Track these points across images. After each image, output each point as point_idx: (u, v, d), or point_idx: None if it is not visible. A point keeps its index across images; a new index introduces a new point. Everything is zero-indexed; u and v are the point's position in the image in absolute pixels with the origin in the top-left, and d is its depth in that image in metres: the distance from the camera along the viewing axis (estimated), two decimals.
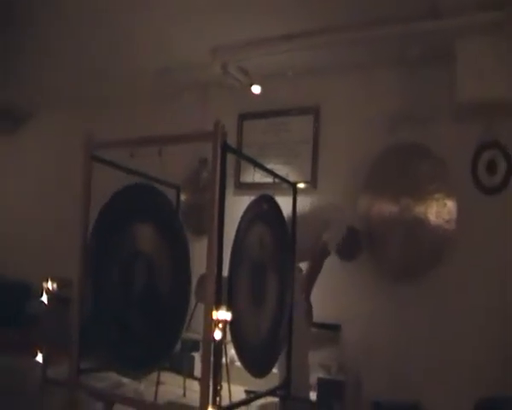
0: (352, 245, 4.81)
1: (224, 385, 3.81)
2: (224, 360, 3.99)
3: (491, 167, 4.92)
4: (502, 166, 4.88)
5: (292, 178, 5.18)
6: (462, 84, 4.63)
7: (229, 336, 3.81)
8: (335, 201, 5.36)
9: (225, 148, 3.76)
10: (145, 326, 4.29)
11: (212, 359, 3.53)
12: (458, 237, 4.91)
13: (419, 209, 5.08)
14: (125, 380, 4.84)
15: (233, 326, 3.69)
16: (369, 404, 4.68)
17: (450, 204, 4.99)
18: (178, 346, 5.02)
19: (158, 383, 4.57)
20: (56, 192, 7.16)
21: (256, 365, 4.12)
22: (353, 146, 5.43)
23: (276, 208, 4.54)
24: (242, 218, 4.00)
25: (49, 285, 4.41)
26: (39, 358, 4.32)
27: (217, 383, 3.54)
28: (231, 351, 4.67)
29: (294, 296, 4.52)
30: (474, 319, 4.76)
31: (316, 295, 5.21)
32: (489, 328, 4.70)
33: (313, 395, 4.94)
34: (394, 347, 4.98)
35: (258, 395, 4.43)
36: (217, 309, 3.49)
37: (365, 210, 5.26)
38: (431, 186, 5.07)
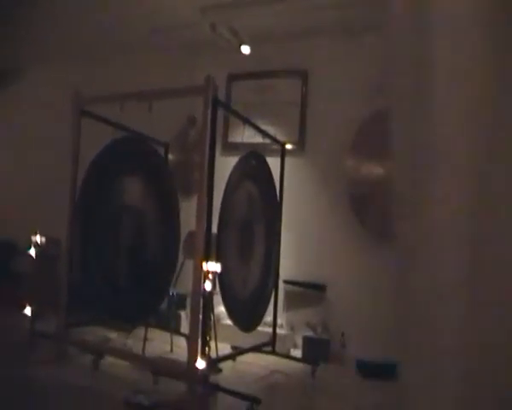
0: None
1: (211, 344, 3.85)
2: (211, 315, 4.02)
3: None
4: None
5: (280, 139, 5.19)
6: None
7: (216, 291, 3.88)
8: (322, 162, 5.45)
9: (216, 102, 3.76)
10: (133, 281, 4.33)
11: (200, 315, 3.60)
12: None
13: None
14: (112, 335, 4.89)
15: (222, 278, 3.74)
16: (353, 362, 4.76)
17: None
18: (165, 303, 5.05)
19: (145, 338, 4.61)
20: (45, 149, 7.05)
21: (243, 318, 4.19)
22: (341, 109, 5.43)
23: (265, 165, 4.58)
24: (231, 174, 4.03)
25: (38, 239, 4.40)
26: (28, 311, 4.31)
27: (205, 337, 3.60)
28: (218, 308, 4.74)
29: None
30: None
31: (301, 256, 5.31)
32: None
33: (298, 353, 5.05)
34: (378, 306, 5.05)
35: (244, 350, 4.50)
36: (206, 262, 3.54)
37: (352, 172, 5.30)
38: None
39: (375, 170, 5.23)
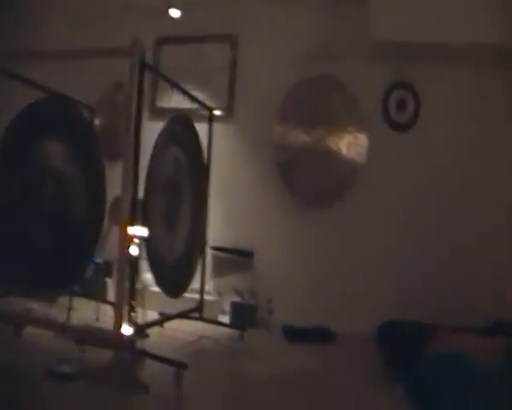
0: None
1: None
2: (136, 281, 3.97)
3: (401, 106, 5.13)
4: (410, 105, 5.09)
5: (208, 105, 5.13)
6: (376, 23, 4.70)
7: (143, 257, 3.83)
8: (251, 128, 5.45)
9: (143, 65, 3.67)
10: (57, 249, 4.19)
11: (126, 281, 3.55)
12: (367, 168, 5.09)
13: (331, 140, 5.21)
14: (34, 306, 4.73)
15: (149, 244, 3.70)
16: (279, 328, 4.85)
17: (362, 137, 5.15)
18: (90, 270, 4.94)
19: (70, 307, 4.50)
20: None
21: (170, 284, 4.17)
22: (270, 76, 5.43)
23: (192, 130, 4.53)
24: (157, 139, 3.96)
25: None
26: None
27: (131, 303, 3.56)
28: (144, 275, 4.68)
29: None
30: (376, 246, 5.03)
31: (229, 222, 5.32)
32: (389, 255, 4.97)
33: (226, 319, 5.09)
34: (305, 273, 5.16)
35: (171, 316, 4.49)
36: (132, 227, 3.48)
37: (280, 139, 5.33)
38: (343, 119, 5.21)
39: (301, 137, 5.28)
